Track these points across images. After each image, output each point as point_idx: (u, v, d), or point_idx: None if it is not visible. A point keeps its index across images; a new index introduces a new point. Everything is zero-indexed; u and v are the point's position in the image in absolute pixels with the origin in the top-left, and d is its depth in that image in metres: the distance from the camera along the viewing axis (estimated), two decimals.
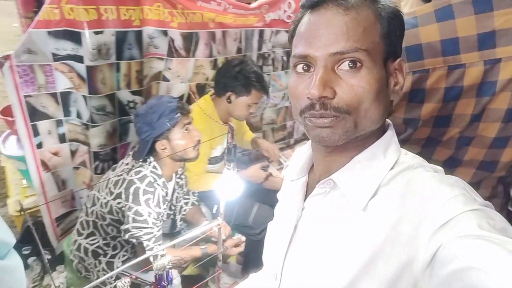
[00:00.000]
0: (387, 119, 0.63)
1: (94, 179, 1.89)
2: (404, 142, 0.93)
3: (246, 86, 1.77)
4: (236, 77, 1.76)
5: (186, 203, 1.79)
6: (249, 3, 1.99)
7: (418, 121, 0.86)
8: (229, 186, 1.12)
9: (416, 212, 0.51)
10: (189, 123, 1.50)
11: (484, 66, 0.76)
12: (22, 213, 0.79)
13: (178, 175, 1.68)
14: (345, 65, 0.54)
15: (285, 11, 2.12)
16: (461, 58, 0.77)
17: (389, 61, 0.58)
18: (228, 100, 1.81)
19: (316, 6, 0.57)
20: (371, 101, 0.55)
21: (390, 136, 0.62)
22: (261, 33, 2.14)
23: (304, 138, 2.82)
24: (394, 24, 0.57)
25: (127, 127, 1.89)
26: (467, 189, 0.52)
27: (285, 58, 2.35)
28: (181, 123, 1.45)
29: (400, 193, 0.54)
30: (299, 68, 0.58)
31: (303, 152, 0.73)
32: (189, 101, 2.03)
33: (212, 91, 1.92)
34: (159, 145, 1.45)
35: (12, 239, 0.53)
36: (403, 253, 0.50)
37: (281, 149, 2.70)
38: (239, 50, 2.11)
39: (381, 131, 0.62)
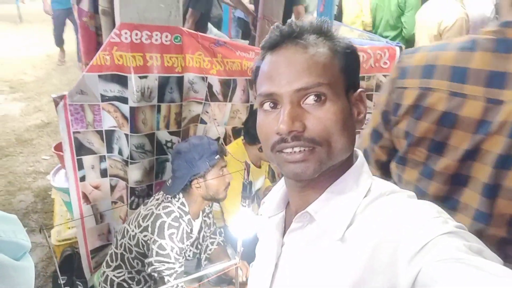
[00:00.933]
0: (356, 149, 0.64)
1: (129, 214, 1.97)
2: (403, 161, 0.92)
3: None
4: None
5: (212, 243, 1.80)
6: None
7: (413, 137, 0.87)
8: (245, 223, 1.12)
9: (393, 239, 0.50)
10: (225, 165, 1.58)
11: (485, 103, 0.75)
12: (42, 231, 0.85)
13: (205, 214, 1.71)
14: (310, 100, 0.56)
15: None
16: (465, 88, 0.77)
17: (350, 93, 0.60)
18: (260, 150, 1.85)
19: (276, 47, 0.60)
20: (339, 131, 0.56)
21: (361, 164, 0.63)
22: None
23: None
24: (350, 58, 0.60)
25: (163, 166, 1.98)
26: (440, 212, 0.52)
27: None
28: (219, 165, 1.54)
29: (375, 220, 0.54)
30: (266, 106, 0.60)
31: (278, 188, 0.73)
32: (224, 143, 2.10)
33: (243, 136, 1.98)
34: (195, 183, 1.52)
35: (28, 244, 0.58)
36: (384, 281, 0.49)
37: None
38: None
39: (350, 161, 0.63)
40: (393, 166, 0.96)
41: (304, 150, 0.56)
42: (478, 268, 0.41)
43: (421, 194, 0.89)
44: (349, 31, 3.09)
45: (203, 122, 2.01)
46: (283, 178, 0.72)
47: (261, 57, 0.64)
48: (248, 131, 1.90)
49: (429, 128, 0.83)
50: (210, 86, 1.90)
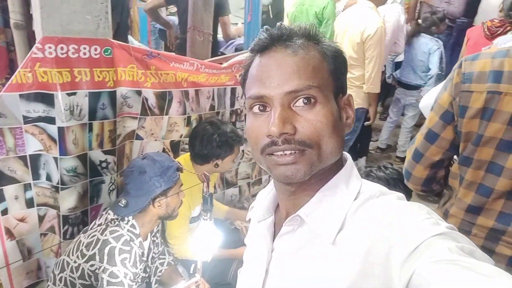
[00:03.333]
0: (344, 152, 0.65)
1: (63, 245, 1.78)
2: (467, 162, 0.98)
3: (231, 148, 1.84)
4: (220, 145, 1.80)
5: (161, 264, 1.71)
6: (221, 63, 2.08)
7: (481, 137, 0.93)
8: (207, 238, 1.08)
9: (385, 241, 0.51)
10: (182, 184, 1.56)
11: None
12: None
13: (153, 233, 1.62)
14: (300, 102, 0.57)
15: None
16: None
17: (338, 97, 0.61)
18: (216, 166, 1.83)
19: (266, 49, 0.60)
20: (330, 134, 0.57)
21: (350, 167, 0.64)
22: (233, 90, 2.23)
23: None
24: (338, 61, 0.61)
25: (99, 188, 1.84)
26: (431, 213, 0.52)
27: None
28: (179, 183, 1.52)
29: (367, 223, 0.55)
30: (256, 109, 0.60)
31: (267, 192, 0.73)
32: None
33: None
34: (157, 202, 1.45)
35: None
36: (378, 284, 0.49)
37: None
38: (212, 107, 2.17)
39: (340, 164, 0.63)
40: (454, 168, 1.02)
41: (295, 152, 0.56)
42: (471, 270, 0.42)
43: (487, 192, 0.96)
44: None
45: (139, 138, 1.92)
46: (271, 182, 0.71)
47: (250, 60, 0.63)
48: (196, 152, 1.84)
49: (499, 128, 0.90)
50: (145, 100, 1.82)
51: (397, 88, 3.81)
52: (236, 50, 2.73)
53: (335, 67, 0.60)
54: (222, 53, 2.81)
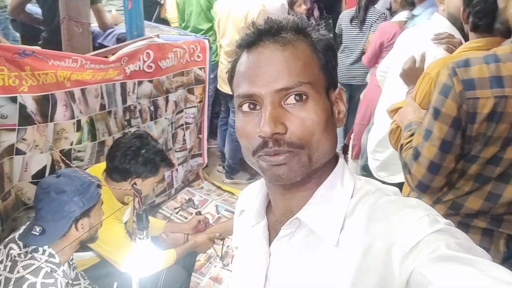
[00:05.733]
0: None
1: None
2: (473, 160, 1.06)
3: (156, 169, 1.64)
4: (145, 162, 1.59)
5: None
6: (106, 57, 1.87)
7: (489, 138, 1.01)
8: (144, 258, 0.99)
9: (385, 239, 0.51)
10: (102, 203, 1.39)
11: None
12: None
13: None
14: (292, 99, 0.54)
15: (144, 61, 2.07)
16: None
17: (330, 91, 0.59)
18: (134, 185, 1.60)
19: (254, 45, 0.57)
20: (322, 132, 0.55)
21: (343, 165, 0.62)
22: (124, 85, 2.03)
23: (184, 186, 2.74)
24: (329, 55, 0.59)
25: None
26: (429, 209, 0.53)
27: (152, 108, 2.27)
28: (100, 200, 1.36)
29: (365, 221, 0.55)
30: (245, 107, 0.56)
31: (256, 194, 0.69)
32: (54, 171, 1.75)
33: (102, 167, 1.69)
34: (79, 225, 1.26)
35: None
36: (379, 282, 0.50)
37: (164, 202, 2.55)
38: (102, 107, 1.95)
39: (333, 162, 0.62)
40: (459, 165, 1.08)
41: (286, 153, 0.53)
42: (469, 266, 0.42)
43: (485, 180, 1.07)
44: (152, 29, 2.99)
45: (20, 152, 1.62)
46: (258, 182, 0.68)
47: (237, 56, 0.58)
48: (115, 166, 1.59)
49: (506, 127, 0.98)
50: (23, 107, 1.53)
51: None
52: (118, 40, 2.47)
53: (326, 61, 0.58)
54: (101, 45, 2.52)
